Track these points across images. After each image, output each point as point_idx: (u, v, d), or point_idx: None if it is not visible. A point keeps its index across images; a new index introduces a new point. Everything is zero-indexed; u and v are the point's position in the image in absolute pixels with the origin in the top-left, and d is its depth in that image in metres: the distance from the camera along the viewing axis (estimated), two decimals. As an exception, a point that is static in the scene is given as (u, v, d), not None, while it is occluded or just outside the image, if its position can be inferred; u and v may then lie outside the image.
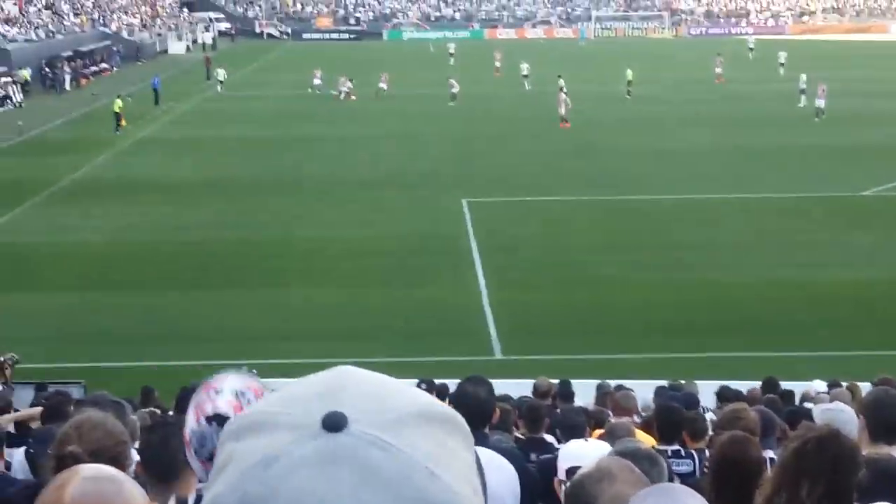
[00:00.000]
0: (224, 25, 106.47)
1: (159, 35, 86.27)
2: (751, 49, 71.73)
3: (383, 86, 52.56)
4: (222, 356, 16.24)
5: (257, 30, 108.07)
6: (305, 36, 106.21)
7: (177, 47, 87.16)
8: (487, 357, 16.85)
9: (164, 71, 63.44)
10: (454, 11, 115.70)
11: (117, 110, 40.69)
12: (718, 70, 56.53)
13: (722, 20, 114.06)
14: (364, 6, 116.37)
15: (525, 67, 56.25)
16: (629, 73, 53.45)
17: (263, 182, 31.08)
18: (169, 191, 29.98)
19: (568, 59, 75.94)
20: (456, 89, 49.50)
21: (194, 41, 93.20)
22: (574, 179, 31.08)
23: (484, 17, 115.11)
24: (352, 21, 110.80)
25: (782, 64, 60.57)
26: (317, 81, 55.02)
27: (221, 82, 55.22)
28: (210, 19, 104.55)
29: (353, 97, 51.44)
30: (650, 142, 37.90)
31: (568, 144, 37.39)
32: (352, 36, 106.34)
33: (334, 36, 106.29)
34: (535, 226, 25.39)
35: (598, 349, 16.97)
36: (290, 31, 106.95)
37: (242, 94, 55.77)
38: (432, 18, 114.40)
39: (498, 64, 62.84)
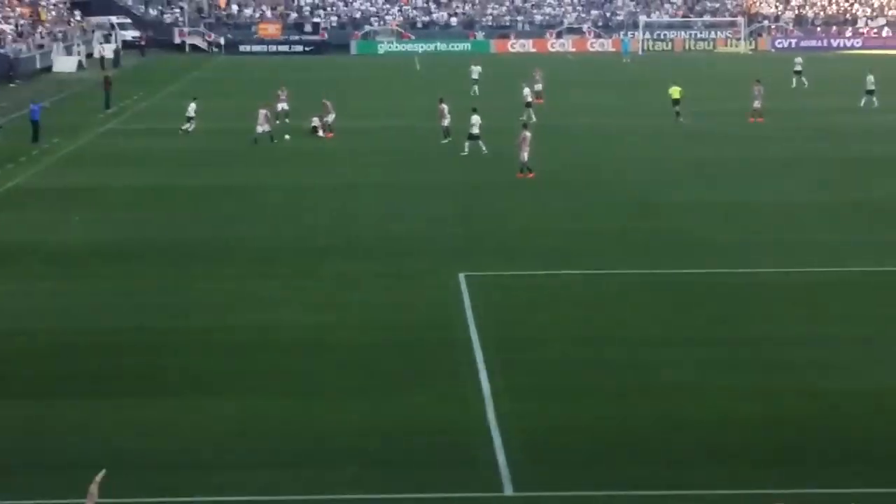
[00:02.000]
0: (131, 34, 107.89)
1: (41, 47, 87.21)
2: (797, 72, 71.99)
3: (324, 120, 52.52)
4: (125, 490, 16.04)
5: (177, 39, 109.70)
6: (243, 48, 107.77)
7: (65, 64, 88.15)
8: (494, 493, 16.66)
9: (46, 96, 64.07)
10: (449, 16, 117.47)
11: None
12: (756, 105, 56.06)
13: (819, 29, 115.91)
14: (325, 8, 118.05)
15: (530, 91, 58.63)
16: (675, 90, 56.16)
17: (182, 248, 31.21)
18: (49, 261, 30.08)
19: (607, 82, 76.96)
20: (447, 120, 49.57)
21: (89, 55, 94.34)
22: (618, 245, 31.31)
23: (490, 23, 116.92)
24: (308, 28, 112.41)
25: (870, 91, 60.84)
26: (283, 106, 55.05)
27: (190, 119, 52.30)
28: (112, 25, 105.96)
29: (330, 133, 51.49)
30: (722, 193, 38.30)
31: (609, 197, 37.73)
32: (307, 48, 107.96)
33: (283, 48, 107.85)
34: (561, 310, 25.44)
35: (652, 483, 16.80)
36: (222, 41, 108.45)
37: (154, 126, 56.26)
38: (418, 25, 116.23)
39: (539, 87, 64.14)
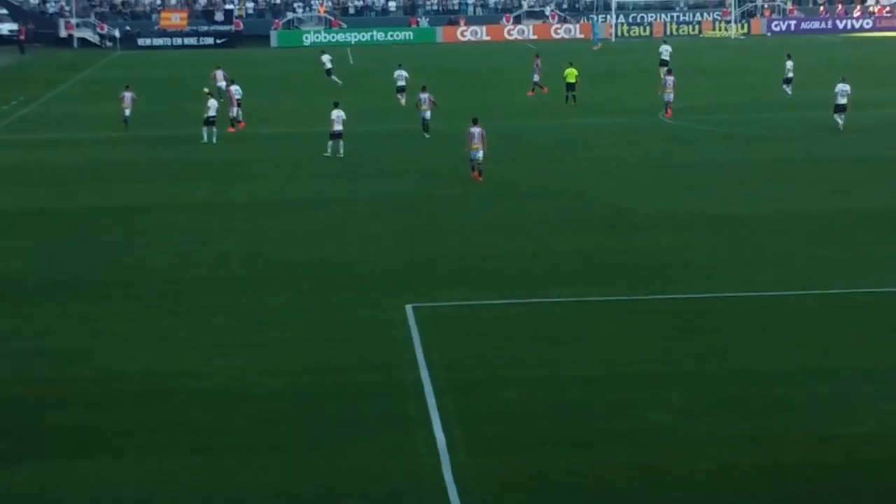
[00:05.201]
0: (7, 27, 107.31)
1: None
2: (664, 64, 72.89)
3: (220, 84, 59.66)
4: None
5: (63, 33, 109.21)
6: (142, 42, 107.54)
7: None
8: (450, 566, 16.67)
9: None
10: (386, 0, 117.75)
11: None
12: (668, 98, 57.93)
13: (822, 8, 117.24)
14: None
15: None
16: (570, 73, 60.82)
17: (68, 282, 30.99)
18: None
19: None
20: (428, 114, 52.23)
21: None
22: (589, 267, 31.41)
23: (436, 7, 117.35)
24: (219, 17, 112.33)
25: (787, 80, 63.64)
26: (221, 84, 60.59)
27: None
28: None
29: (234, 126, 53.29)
30: (707, 203, 38.51)
31: (576, 211, 37.84)
32: (219, 41, 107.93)
33: (190, 41, 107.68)
34: (525, 345, 25.43)
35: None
36: (117, 34, 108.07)
37: (31, 136, 55.91)
38: (351, 11, 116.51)
39: (537, 78, 67.53)
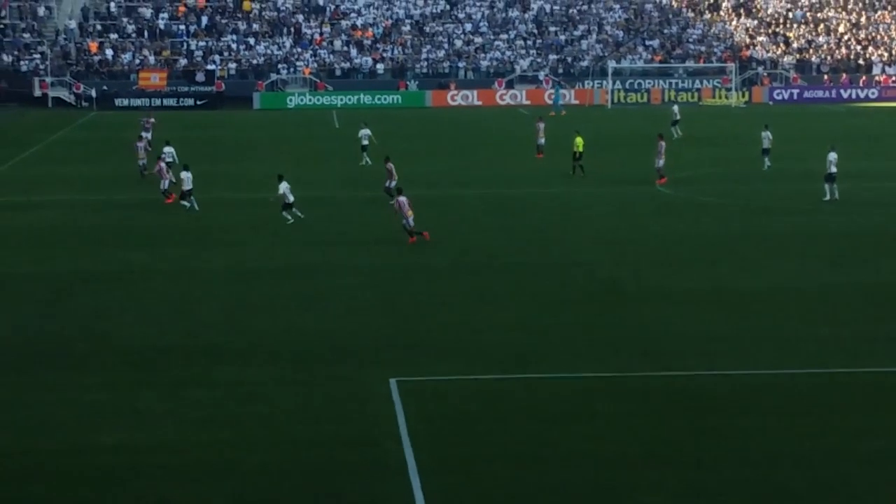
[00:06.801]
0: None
1: None
2: (675, 121, 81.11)
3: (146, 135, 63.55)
4: None
5: (37, 92, 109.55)
6: (120, 102, 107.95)
7: None
8: None
9: None
10: (374, 62, 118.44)
11: None
12: (659, 163, 58.89)
13: (825, 77, 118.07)
14: (221, 53, 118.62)
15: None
16: (578, 141, 61.39)
17: (32, 351, 30.92)
18: None
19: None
20: (394, 181, 51.62)
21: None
22: (580, 342, 31.41)
23: (426, 70, 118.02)
24: (200, 77, 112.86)
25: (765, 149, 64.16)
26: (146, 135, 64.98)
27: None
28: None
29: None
30: (704, 278, 38.59)
31: (566, 284, 37.87)
32: (199, 102, 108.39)
33: (170, 101, 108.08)
34: (515, 422, 25.39)
35: None
36: (93, 94, 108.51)
37: (2, 199, 55.97)
38: (337, 73, 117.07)
39: (541, 142, 69.87)
